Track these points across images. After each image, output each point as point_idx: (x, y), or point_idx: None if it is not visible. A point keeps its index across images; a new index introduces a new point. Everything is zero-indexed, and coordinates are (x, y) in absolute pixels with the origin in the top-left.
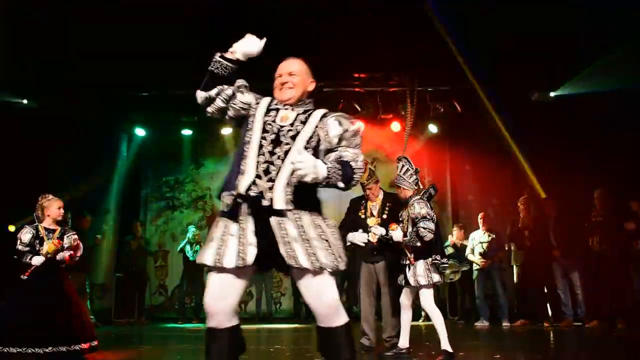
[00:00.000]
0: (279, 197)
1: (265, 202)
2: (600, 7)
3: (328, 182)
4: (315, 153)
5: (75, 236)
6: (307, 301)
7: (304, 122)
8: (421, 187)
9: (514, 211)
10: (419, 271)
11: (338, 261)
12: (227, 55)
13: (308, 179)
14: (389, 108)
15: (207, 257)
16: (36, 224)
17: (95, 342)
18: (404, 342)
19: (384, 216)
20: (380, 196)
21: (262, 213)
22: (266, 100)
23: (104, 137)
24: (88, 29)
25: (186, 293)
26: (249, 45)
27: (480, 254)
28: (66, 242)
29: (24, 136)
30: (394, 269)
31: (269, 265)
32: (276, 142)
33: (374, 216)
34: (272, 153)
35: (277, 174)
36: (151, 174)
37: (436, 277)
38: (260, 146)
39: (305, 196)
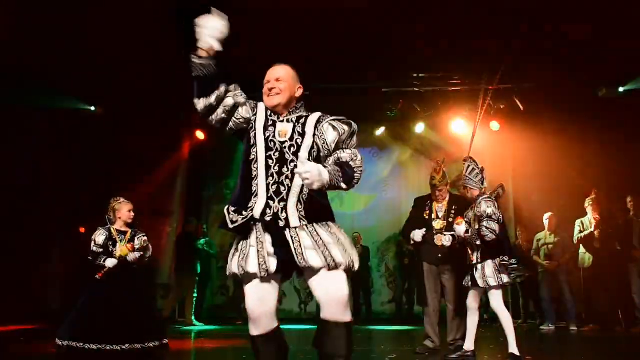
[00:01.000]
0: (293, 216)
1: (281, 223)
2: None
3: (330, 185)
4: (318, 160)
5: (145, 237)
6: (320, 296)
7: (301, 134)
8: (486, 185)
9: (580, 212)
10: (488, 272)
11: (353, 263)
12: (201, 53)
13: (315, 187)
14: (449, 108)
15: (233, 267)
16: (108, 226)
17: (166, 340)
18: (469, 344)
19: (450, 219)
20: (447, 198)
21: (277, 228)
22: (262, 111)
23: (166, 140)
24: (148, 35)
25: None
26: (210, 31)
27: (546, 255)
28: (137, 243)
29: (92, 141)
30: (460, 271)
31: (291, 271)
32: (282, 161)
33: (439, 218)
34: (279, 173)
35: (288, 193)
36: (212, 176)
37: (505, 278)
38: (268, 167)
39: (317, 208)
